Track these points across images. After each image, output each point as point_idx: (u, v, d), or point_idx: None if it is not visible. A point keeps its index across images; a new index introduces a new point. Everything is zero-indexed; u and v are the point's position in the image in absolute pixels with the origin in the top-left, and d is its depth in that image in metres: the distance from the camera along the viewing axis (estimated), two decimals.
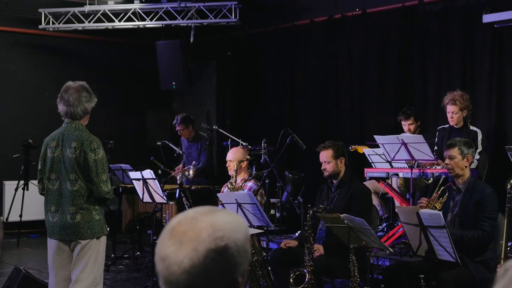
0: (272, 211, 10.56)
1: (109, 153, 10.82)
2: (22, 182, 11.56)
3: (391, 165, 8.75)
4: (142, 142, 14.10)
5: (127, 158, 12.14)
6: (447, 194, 6.46)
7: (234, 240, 1.91)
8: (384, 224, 9.22)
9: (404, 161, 8.29)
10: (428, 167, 8.19)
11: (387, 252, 6.42)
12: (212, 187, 9.88)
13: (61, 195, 5.76)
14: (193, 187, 9.98)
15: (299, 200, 9.74)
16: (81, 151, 5.63)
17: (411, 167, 8.04)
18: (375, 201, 8.85)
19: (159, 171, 11.01)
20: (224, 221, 1.93)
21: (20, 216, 11.81)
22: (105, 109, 13.58)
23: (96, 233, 5.74)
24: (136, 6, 12.77)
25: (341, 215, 6.04)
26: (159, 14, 12.74)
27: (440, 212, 5.56)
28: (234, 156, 8.18)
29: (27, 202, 11.89)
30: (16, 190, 11.73)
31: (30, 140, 11.43)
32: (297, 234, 10.03)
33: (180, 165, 11.26)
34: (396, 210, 7.31)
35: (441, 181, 6.46)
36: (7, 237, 11.98)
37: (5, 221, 12.11)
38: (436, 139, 8.78)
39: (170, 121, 13.15)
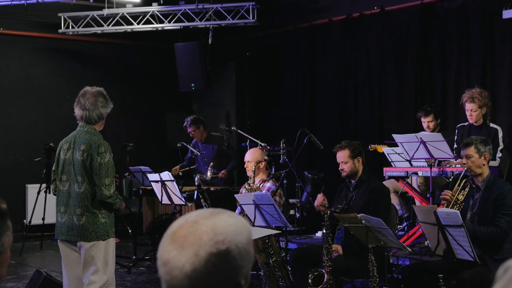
0: (292, 212, 10.55)
1: (129, 155, 10.93)
2: (44, 185, 11.61)
3: (411, 163, 8.69)
4: (163, 144, 14.14)
5: (147, 160, 12.21)
6: (468, 186, 6.41)
7: (236, 243, 1.89)
8: (405, 223, 9.16)
9: (424, 160, 8.24)
10: (448, 165, 8.13)
11: (407, 251, 6.38)
12: (231, 188, 9.88)
13: (70, 196, 5.87)
14: (212, 189, 9.99)
15: None
16: (88, 154, 5.74)
17: (431, 166, 7.98)
18: (395, 200, 8.81)
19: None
20: (226, 224, 1.92)
21: (43, 219, 11.85)
22: (125, 112, 13.70)
23: (100, 236, 5.83)
24: (154, 8, 12.79)
25: (358, 215, 6.02)
26: (177, 16, 12.75)
27: (458, 211, 5.52)
28: (252, 157, 8.18)
29: (50, 205, 11.88)
30: (38, 193, 11.78)
31: (51, 144, 11.44)
32: (317, 234, 10.02)
33: (178, 166, 11.28)
34: (414, 209, 7.26)
35: (462, 174, 6.38)
36: (31, 240, 12.07)
37: (28, 224, 12.21)
38: (456, 137, 8.72)
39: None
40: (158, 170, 9.49)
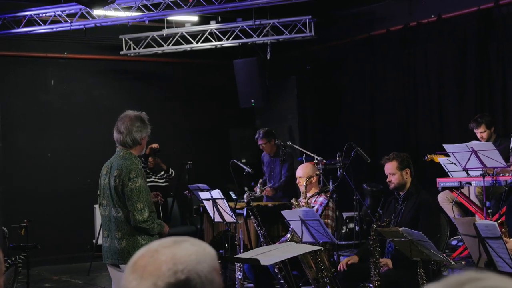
0: (351, 225, 10.47)
1: (188, 173, 11.02)
2: None
3: (467, 173, 8.53)
4: (226, 160, 14.19)
5: (211, 177, 12.30)
6: None
7: (197, 272, 1.87)
8: None
9: (480, 169, 8.07)
10: (501, 174, 7.96)
11: (454, 263, 6.27)
12: (289, 203, 9.83)
13: (110, 220, 5.87)
14: (269, 204, 9.98)
15: (379, 212, 9.56)
16: (120, 180, 5.70)
17: (483, 175, 7.83)
18: (450, 211, 8.68)
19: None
20: (186, 252, 1.90)
21: None
22: (188, 130, 13.87)
23: None
24: (212, 26, 12.92)
25: (400, 229, 5.94)
26: (235, 33, 12.85)
27: (496, 223, 5.39)
28: (303, 172, 8.13)
29: None
30: None
31: None
32: None
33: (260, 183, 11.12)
34: (453, 221, 7.14)
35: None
36: (99, 259, 12.21)
37: (96, 243, 12.41)
38: (511, 144, 8.53)
39: (254, 138, 13.26)
40: (223, 187, 9.53)
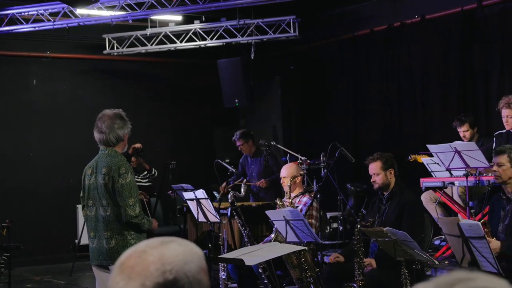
0: (335, 225, 10.48)
1: (171, 173, 11.00)
2: None
3: (450, 173, 8.57)
4: (211, 160, 14.19)
5: (195, 177, 12.28)
6: None
7: (185, 272, 1.87)
8: None
9: (463, 169, 8.11)
10: (484, 174, 8.01)
11: (434, 263, 6.29)
12: (273, 203, 9.84)
13: (97, 221, 5.83)
14: (253, 204, 9.98)
15: (363, 212, 9.59)
16: (109, 177, 5.69)
17: (467, 175, 7.87)
18: (433, 211, 8.72)
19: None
20: (174, 253, 1.90)
21: None
22: (172, 130, 13.82)
23: None
24: (196, 26, 12.90)
25: (384, 229, 5.96)
26: (219, 33, 12.84)
27: (479, 223, 5.43)
28: (287, 172, 8.14)
29: None
30: None
31: None
32: None
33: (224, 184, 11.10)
34: (437, 221, 7.17)
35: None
36: (82, 260, 12.21)
37: (78, 244, 12.37)
38: (494, 145, 8.58)
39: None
40: (207, 187, 9.50)
